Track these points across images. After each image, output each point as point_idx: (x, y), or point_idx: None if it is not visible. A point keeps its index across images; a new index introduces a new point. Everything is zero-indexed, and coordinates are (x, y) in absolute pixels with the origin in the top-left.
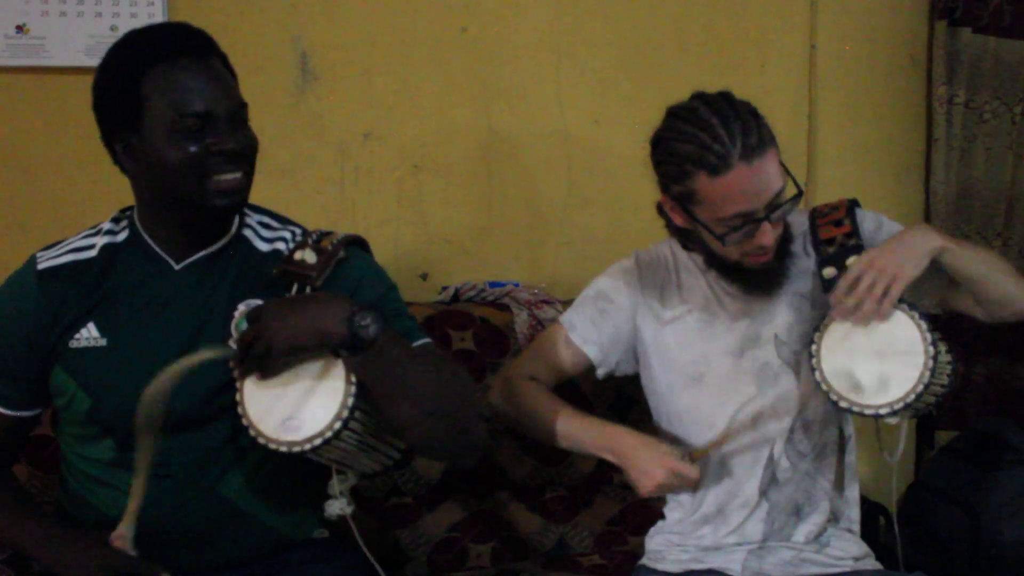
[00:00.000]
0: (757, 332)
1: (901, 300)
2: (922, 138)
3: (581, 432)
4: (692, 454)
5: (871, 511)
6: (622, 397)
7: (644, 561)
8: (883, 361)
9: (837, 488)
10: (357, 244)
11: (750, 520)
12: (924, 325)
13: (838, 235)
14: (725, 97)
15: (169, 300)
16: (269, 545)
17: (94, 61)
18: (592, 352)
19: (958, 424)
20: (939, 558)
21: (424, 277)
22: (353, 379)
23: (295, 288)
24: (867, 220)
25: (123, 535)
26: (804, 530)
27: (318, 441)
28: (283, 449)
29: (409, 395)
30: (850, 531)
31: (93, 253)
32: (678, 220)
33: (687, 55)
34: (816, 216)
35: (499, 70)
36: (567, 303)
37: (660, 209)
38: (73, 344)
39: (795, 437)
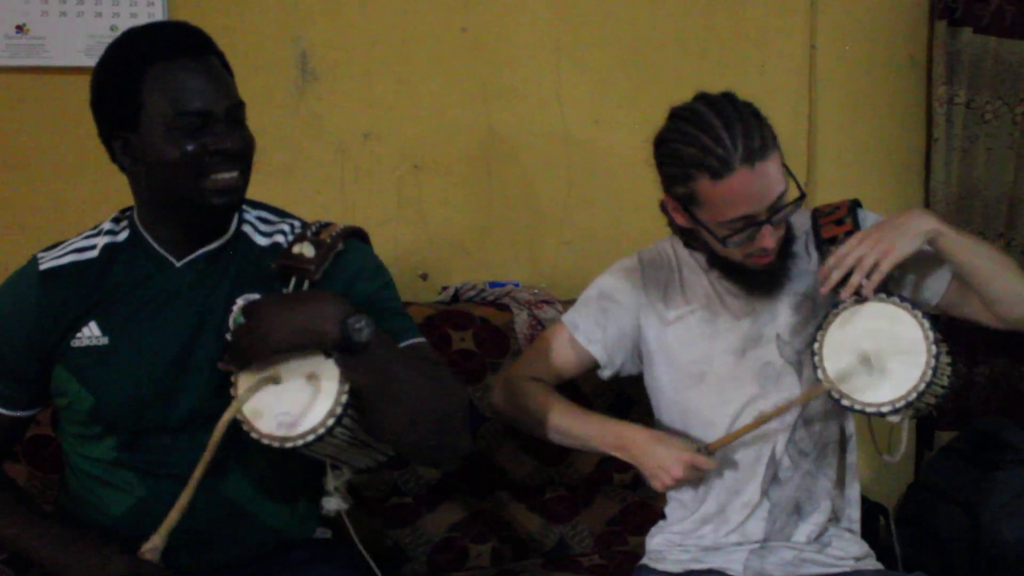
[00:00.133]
0: (759, 331)
1: (904, 299)
2: (922, 138)
3: (589, 430)
4: (708, 446)
5: (871, 511)
6: (622, 397)
7: (645, 561)
8: (886, 360)
9: (838, 487)
10: (357, 236)
11: (751, 519)
12: (927, 324)
13: (840, 234)
14: (728, 98)
15: (170, 298)
16: (270, 545)
17: (94, 61)
18: (597, 352)
19: (960, 424)
20: (939, 558)
21: (424, 277)
22: (347, 377)
23: (293, 282)
24: (869, 219)
25: (156, 547)
26: (805, 530)
27: (311, 437)
28: (276, 445)
29: (395, 400)
30: (851, 531)
31: (94, 253)
32: (680, 220)
33: (687, 55)
34: (818, 216)
35: (499, 70)
36: (567, 303)
37: (663, 208)
38: (75, 343)
39: (797, 436)
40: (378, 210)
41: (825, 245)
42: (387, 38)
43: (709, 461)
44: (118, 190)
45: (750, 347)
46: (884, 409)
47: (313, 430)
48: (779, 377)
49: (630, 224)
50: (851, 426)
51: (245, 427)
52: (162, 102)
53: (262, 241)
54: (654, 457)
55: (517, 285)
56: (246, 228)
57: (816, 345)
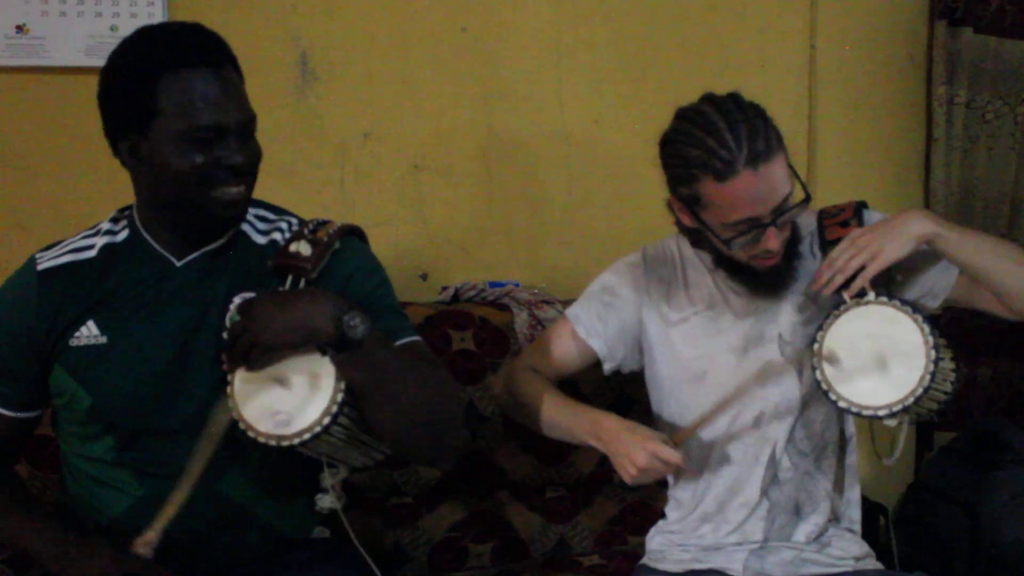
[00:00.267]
0: (761, 331)
1: (905, 303)
2: (922, 138)
3: (570, 420)
4: (674, 437)
5: (871, 511)
6: (622, 397)
7: (645, 561)
8: (885, 363)
9: (837, 489)
10: (354, 234)
11: (751, 519)
12: (927, 329)
13: (844, 236)
14: (734, 99)
15: (170, 298)
16: (270, 544)
17: (94, 61)
18: (598, 346)
19: (962, 425)
20: (939, 558)
21: (424, 277)
22: (343, 374)
23: (290, 280)
24: (874, 221)
25: (150, 542)
26: (804, 530)
27: (307, 436)
28: (272, 443)
29: (390, 397)
30: (851, 531)
31: (92, 253)
32: (686, 220)
33: (687, 55)
34: (823, 217)
35: (499, 70)
36: (567, 303)
37: (669, 207)
38: (73, 343)
39: (796, 436)
40: (378, 210)
41: (829, 247)
42: (387, 38)
43: (673, 453)
44: (118, 190)
45: (752, 346)
46: (881, 412)
47: (309, 428)
48: (780, 377)
49: (630, 224)
50: (851, 427)
51: (242, 426)
52: (176, 112)
53: (260, 239)
54: (621, 445)
55: (517, 285)
56: (245, 227)
57: (816, 346)
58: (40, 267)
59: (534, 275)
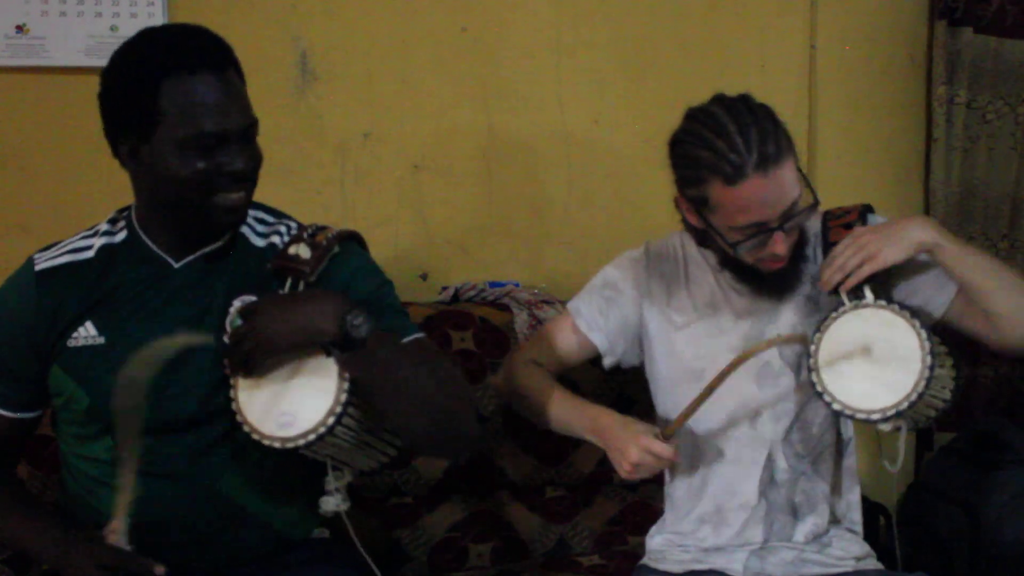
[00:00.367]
0: (761, 331)
1: (903, 307)
2: (922, 138)
3: (569, 414)
4: (664, 432)
5: (871, 511)
6: (622, 397)
7: (645, 561)
8: (881, 367)
9: (836, 492)
10: (353, 240)
11: (750, 521)
12: (924, 334)
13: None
14: (744, 101)
15: (168, 299)
16: (269, 544)
17: (94, 61)
18: (598, 340)
19: (963, 426)
20: (939, 558)
21: (424, 277)
22: (346, 375)
23: (289, 283)
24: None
25: (116, 529)
26: (803, 530)
27: (312, 437)
28: (277, 445)
29: (400, 392)
30: (852, 531)
31: (91, 254)
32: (693, 221)
33: (687, 55)
34: (828, 218)
35: (499, 70)
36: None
37: (677, 205)
38: (71, 343)
39: (793, 438)
40: (378, 210)
41: (831, 248)
42: (387, 38)
43: (665, 448)
44: (118, 190)
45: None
46: (875, 416)
47: (314, 429)
48: (777, 378)
49: (630, 224)
50: (849, 430)
51: (246, 428)
52: (179, 118)
53: (259, 242)
54: (616, 441)
55: (517, 285)
56: (244, 229)
57: (812, 347)
58: (38, 267)
59: (534, 275)
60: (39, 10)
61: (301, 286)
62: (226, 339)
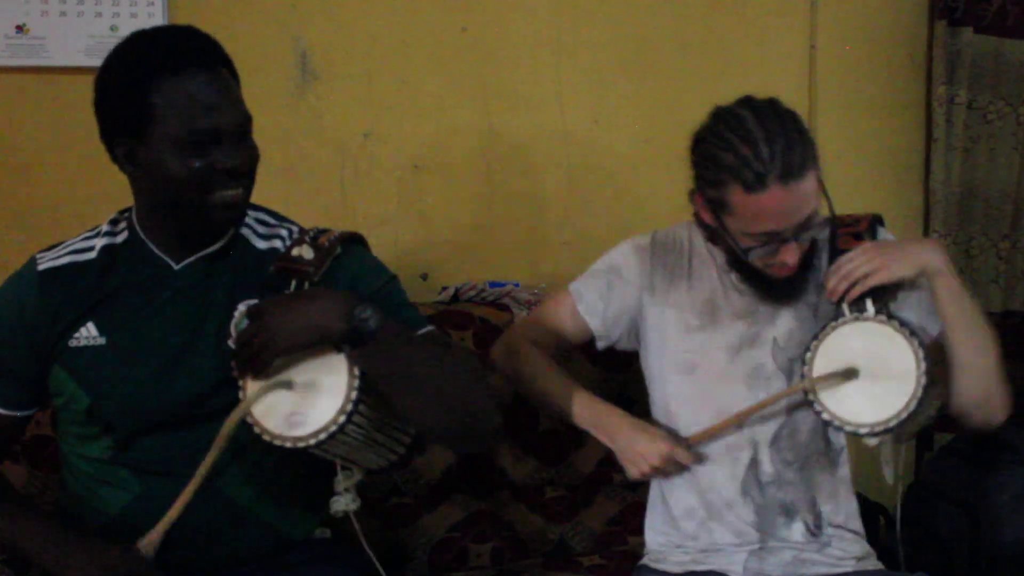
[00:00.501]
0: (757, 333)
1: (904, 324)
2: (922, 138)
3: (574, 405)
4: (688, 440)
5: (871, 511)
6: (622, 397)
7: (645, 561)
8: (874, 381)
9: (830, 500)
10: (355, 241)
11: (739, 520)
12: (921, 354)
13: (854, 247)
14: (774, 107)
15: (168, 300)
16: (270, 544)
17: (94, 61)
18: (595, 324)
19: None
20: (939, 558)
21: (424, 277)
22: (356, 372)
23: (293, 284)
24: (885, 238)
25: (152, 542)
26: (799, 529)
27: (323, 436)
28: (288, 445)
29: (415, 384)
30: (852, 532)
31: (92, 255)
32: (706, 218)
33: (687, 55)
34: (838, 225)
35: (499, 70)
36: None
37: (691, 199)
38: (72, 343)
39: (781, 443)
40: (378, 210)
41: (839, 255)
42: (387, 38)
43: (687, 455)
44: (118, 190)
45: (745, 347)
46: (862, 431)
47: (325, 428)
48: (769, 381)
49: (630, 224)
50: (840, 440)
51: (256, 429)
52: (172, 117)
53: (261, 244)
54: (635, 444)
55: (517, 285)
56: (244, 231)
57: (808, 355)
58: (41, 267)
59: (534, 275)
60: (39, 10)
61: (306, 287)
62: (231, 343)
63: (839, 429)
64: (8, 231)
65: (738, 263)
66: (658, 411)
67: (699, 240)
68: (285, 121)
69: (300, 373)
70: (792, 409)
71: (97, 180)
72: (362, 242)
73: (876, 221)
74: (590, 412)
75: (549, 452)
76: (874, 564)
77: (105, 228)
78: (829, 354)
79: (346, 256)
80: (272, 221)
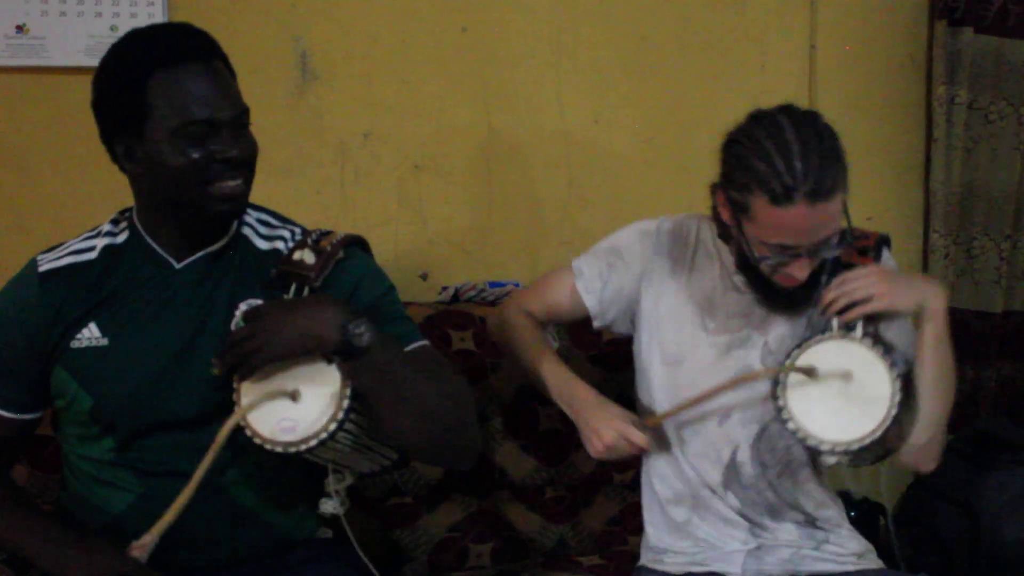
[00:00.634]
0: (749, 334)
1: (888, 353)
2: (922, 138)
3: (550, 378)
4: (645, 421)
5: (871, 511)
6: (622, 397)
7: (644, 561)
8: (846, 401)
9: (816, 506)
10: (357, 244)
11: (728, 509)
12: (898, 386)
13: (859, 263)
14: (813, 121)
15: (170, 299)
16: (270, 544)
17: (94, 61)
18: (591, 303)
19: (967, 426)
20: (939, 558)
21: (424, 277)
22: (348, 381)
23: (293, 289)
24: (889, 264)
25: (146, 545)
26: (788, 527)
27: (313, 442)
28: (279, 450)
29: (402, 401)
30: (846, 529)
31: (93, 255)
32: (725, 216)
33: (687, 55)
34: (845, 237)
35: (499, 70)
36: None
37: (713, 193)
38: (74, 344)
39: (761, 446)
40: (378, 210)
41: (840, 268)
42: (387, 38)
43: (641, 436)
44: (118, 190)
45: (735, 347)
46: (823, 447)
47: (316, 435)
48: (754, 383)
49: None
50: None
51: (248, 432)
52: (168, 110)
53: (262, 244)
54: (591, 419)
55: (517, 285)
56: (246, 231)
57: (788, 361)
58: (42, 269)
59: (534, 275)
60: (39, 10)
61: (306, 291)
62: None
63: (802, 441)
64: (8, 232)
65: (746, 266)
66: (641, 398)
67: (707, 235)
68: (285, 121)
69: (293, 379)
70: (763, 411)
71: (97, 180)
72: (364, 245)
73: (883, 241)
74: (564, 389)
75: (549, 452)
76: (875, 560)
77: (106, 228)
78: (808, 364)
79: (348, 261)
80: (274, 222)
